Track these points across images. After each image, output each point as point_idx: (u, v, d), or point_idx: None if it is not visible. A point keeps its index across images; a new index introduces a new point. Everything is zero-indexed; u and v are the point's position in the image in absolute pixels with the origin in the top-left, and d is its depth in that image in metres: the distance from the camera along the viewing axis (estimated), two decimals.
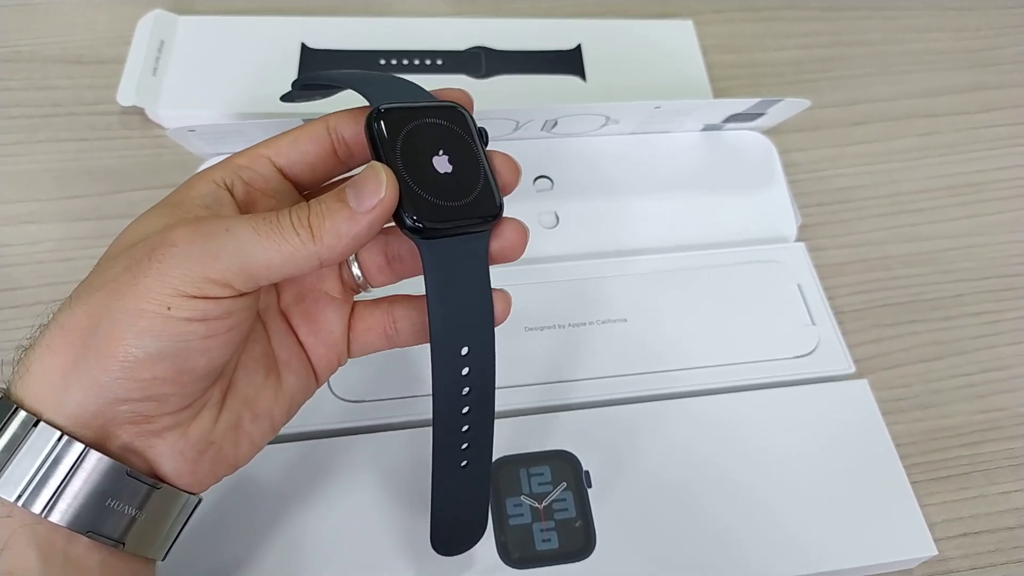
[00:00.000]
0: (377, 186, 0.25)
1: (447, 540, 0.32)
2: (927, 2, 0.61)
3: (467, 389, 0.29)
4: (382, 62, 0.51)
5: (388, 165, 0.26)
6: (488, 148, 0.29)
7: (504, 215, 0.28)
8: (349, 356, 0.32)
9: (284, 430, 0.37)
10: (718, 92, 0.53)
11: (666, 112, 0.45)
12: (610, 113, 0.44)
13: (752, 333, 0.42)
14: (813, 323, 0.42)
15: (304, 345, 0.31)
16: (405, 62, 0.51)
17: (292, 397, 0.30)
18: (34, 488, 0.24)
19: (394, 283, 0.32)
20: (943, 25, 0.60)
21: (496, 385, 0.30)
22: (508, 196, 0.29)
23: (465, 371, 0.28)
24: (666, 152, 0.48)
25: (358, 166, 0.30)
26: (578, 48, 0.53)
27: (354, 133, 0.29)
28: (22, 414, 0.24)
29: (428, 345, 0.28)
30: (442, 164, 0.27)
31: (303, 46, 0.51)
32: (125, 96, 0.47)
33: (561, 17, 0.55)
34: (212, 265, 0.24)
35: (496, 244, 0.28)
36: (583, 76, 0.52)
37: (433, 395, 0.28)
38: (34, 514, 0.24)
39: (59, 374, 0.24)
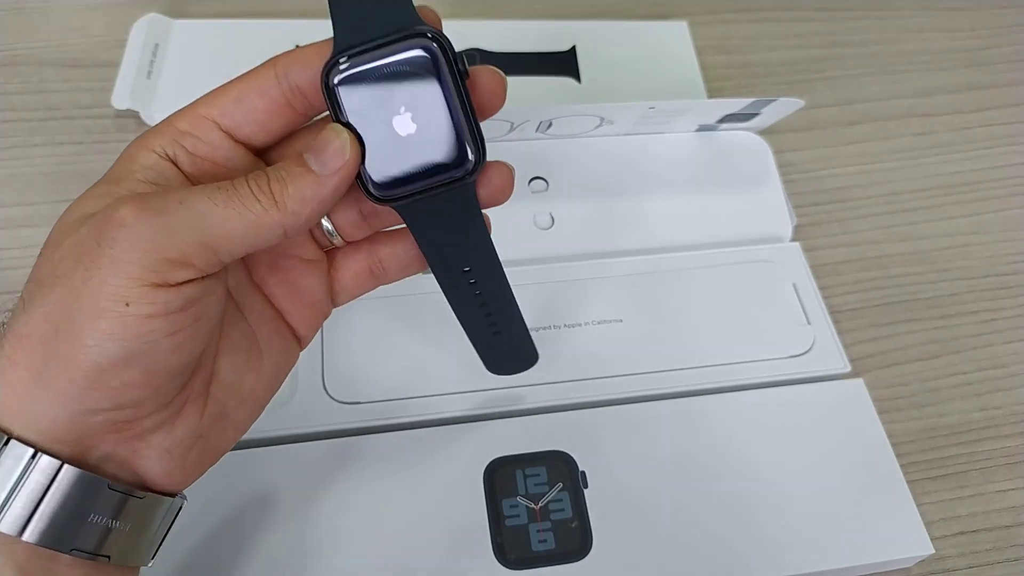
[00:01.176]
0: (340, 148, 0.24)
1: (501, 367, 0.37)
2: (921, 2, 0.61)
3: (479, 292, 0.30)
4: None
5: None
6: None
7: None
8: (335, 306, 0.30)
9: (278, 432, 0.37)
10: (713, 93, 0.53)
11: (661, 113, 0.45)
12: (604, 114, 0.44)
13: (747, 333, 0.42)
14: (809, 323, 0.42)
15: (283, 313, 0.29)
16: None
17: (276, 371, 0.29)
18: (9, 509, 0.22)
19: (371, 234, 0.30)
20: (937, 25, 0.60)
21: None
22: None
23: (472, 281, 0.29)
24: (661, 153, 0.48)
25: (319, 114, 0.27)
26: (572, 50, 0.53)
27: (309, 79, 0.25)
28: None
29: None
30: (404, 124, 0.24)
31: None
32: (120, 100, 0.47)
33: (555, 19, 0.55)
34: (168, 243, 0.22)
35: (481, 190, 0.27)
36: (578, 78, 0.52)
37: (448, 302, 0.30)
38: (12, 536, 0.22)
39: (23, 387, 0.22)
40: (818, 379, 0.41)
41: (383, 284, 0.30)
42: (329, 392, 0.38)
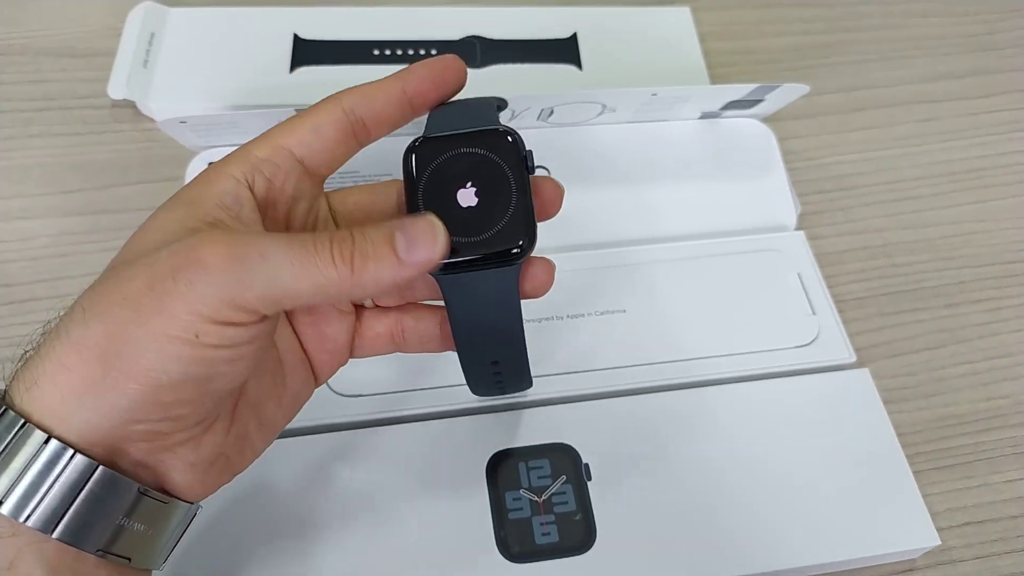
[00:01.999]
0: (432, 242, 0.25)
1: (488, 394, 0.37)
2: None
3: (499, 372, 0.32)
4: (375, 52, 0.50)
5: (410, 195, 0.27)
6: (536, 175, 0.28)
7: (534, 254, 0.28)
8: (352, 357, 0.32)
9: None
10: (716, 79, 0.53)
11: (663, 100, 0.44)
12: (606, 100, 0.44)
13: (752, 323, 0.41)
14: (813, 312, 0.42)
15: (307, 350, 0.30)
16: (399, 52, 0.50)
17: (295, 400, 0.30)
18: (44, 507, 0.23)
19: (402, 303, 0.32)
20: (942, 10, 0.59)
21: (525, 372, 0.33)
22: None
23: (496, 372, 0.31)
24: (664, 141, 0.47)
25: (373, 141, 0.29)
26: (574, 36, 0.53)
27: (371, 113, 0.28)
28: (34, 431, 0.22)
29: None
30: (467, 197, 0.27)
31: (295, 37, 0.50)
32: (116, 89, 0.47)
33: (557, 5, 0.55)
34: (243, 294, 0.23)
35: (525, 283, 0.29)
36: (579, 65, 0.51)
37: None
38: (43, 533, 0.23)
39: (73, 392, 0.23)
40: (823, 369, 0.40)
41: (400, 352, 0.32)
42: (331, 385, 0.38)
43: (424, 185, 0.27)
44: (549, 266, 0.29)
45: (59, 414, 0.23)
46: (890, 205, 0.49)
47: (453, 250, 0.26)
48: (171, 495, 0.26)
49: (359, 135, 0.28)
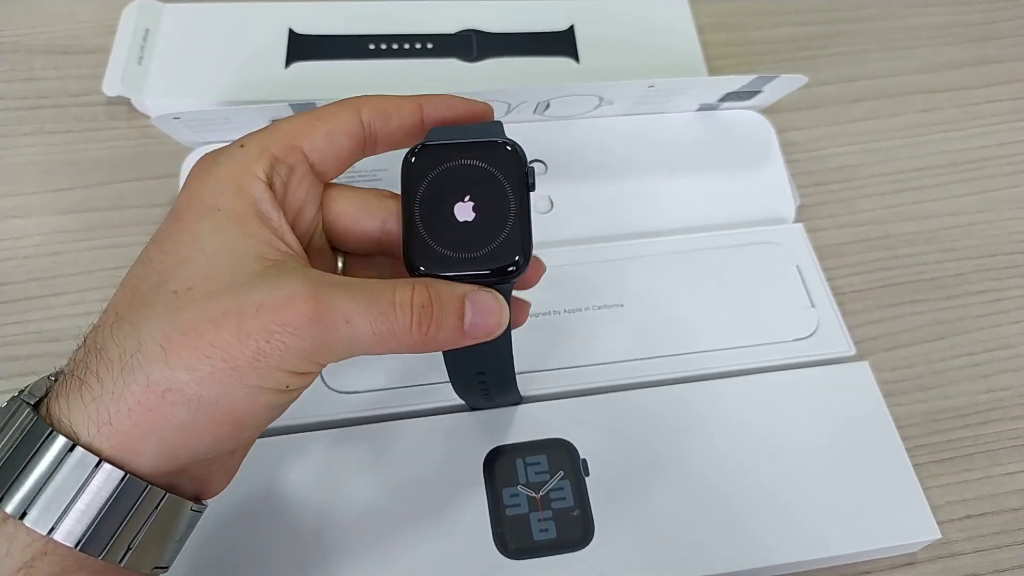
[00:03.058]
0: (496, 321, 0.26)
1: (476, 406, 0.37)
2: None
3: (484, 382, 0.32)
4: (371, 47, 0.50)
5: (406, 207, 0.26)
6: None
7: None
8: None
9: (279, 423, 0.36)
10: (714, 71, 0.53)
11: (661, 92, 0.44)
12: (603, 93, 0.43)
13: (751, 316, 0.41)
14: (813, 305, 0.41)
15: None
16: (395, 46, 0.50)
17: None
18: (115, 541, 0.23)
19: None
20: None
21: (511, 381, 0.33)
22: None
23: (482, 382, 0.31)
24: (661, 133, 0.47)
25: (376, 154, 0.29)
26: (571, 29, 0.52)
27: (385, 131, 0.28)
28: (108, 468, 0.23)
29: None
30: (464, 211, 0.26)
31: (290, 32, 0.50)
32: (110, 86, 0.46)
33: None
34: (327, 356, 0.24)
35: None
36: (576, 58, 0.51)
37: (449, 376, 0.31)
38: (110, 563, 0.23)
39: (154, 432, 0.23)
40: (822, 362, 0.40)
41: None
42: (327, 382, 0.38)
43: (421, 197, 0.26)
44: (538, 264, 0.30)
45: (133, 448, 0.23)
46: (890, 197, 0.49)
47: (447, 264, 0.26)
48: (204, 496, 0.27)
49: (367, 148, 0.28)
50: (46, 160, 0.46)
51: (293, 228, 0.27)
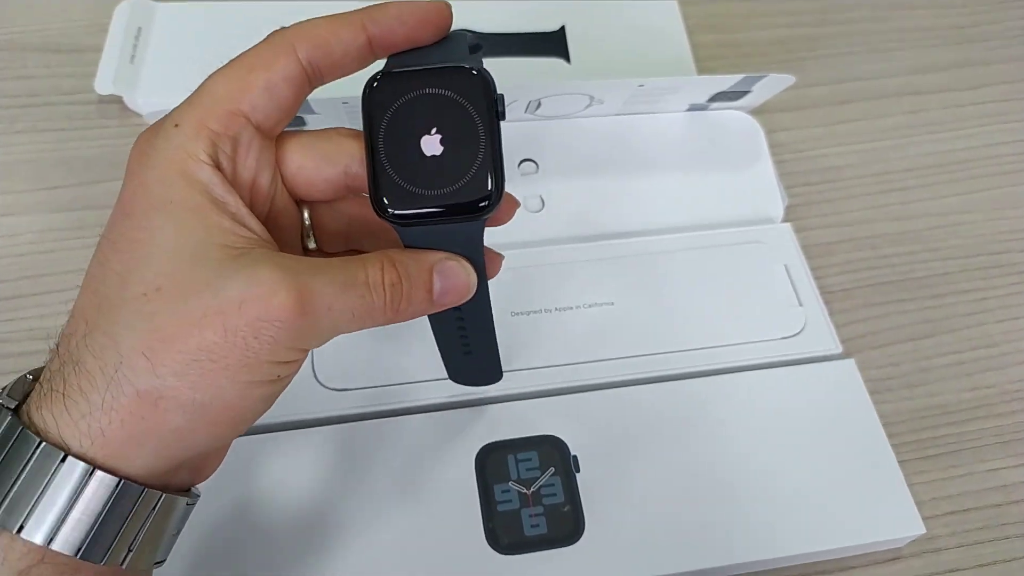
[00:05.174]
0: (465, 288, 0.26)
1: (463, 379, 0.37)
2: None
3: (463, 325, 0.31)
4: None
5: (369, 144, 0.24)
6: None
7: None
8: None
9: (267, 420, 0.36)
10: (703, 72, 0.53)
11: (651, 91, 0.44)
12: (594, 92, 0.44)
13: (739, 315, 0.41)
14: (800, 304, 0.42)
15: None
16: None
17: None
18: (116, 545, 0.23)
19: (346, 251, 0.30)
20: (928, 2, 0.59)
21: (489, 330, 0.32)
22: None
23: (459, 316, 0.30)
24: (651, 133, 0.47)
25: (325, 84, 0.26)
26: (562, 30, 0.53)
27: (328, 63, 0.25)
28: (101, 475, 0.22)
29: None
30: (431, 145, 0.24)
31: None
32: (103, 85, 0.47)
33: None
34: (311, 342, 0.24)
35: None
36: (567, 58, 0.51)
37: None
38: (112, 566, 0.23)
39: (148, 438, 0.23)
40: (810, 360, 0.40)
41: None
42: (319, 379, 0.38)
43: (385, 132, 0.24)
44: (510, 199, 0.28)
45: (126, 453, 0.23)
46: (876, 197, 0.49)
47: (416, 201, 0.24)
48: (196, 483, 0.27)
49: (314, 82, 0.25)
50: (39, 158, 0.46)
51: (252, 200, 0.25)
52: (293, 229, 0.28)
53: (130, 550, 0.24)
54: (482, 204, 0.24)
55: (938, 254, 0.47)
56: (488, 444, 0.37)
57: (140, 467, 0.23)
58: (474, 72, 0.25)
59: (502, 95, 0.25)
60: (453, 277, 0.26)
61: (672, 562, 0.35)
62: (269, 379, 0.24)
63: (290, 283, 0.23)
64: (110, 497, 0.23)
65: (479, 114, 0.24)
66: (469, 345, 0.33)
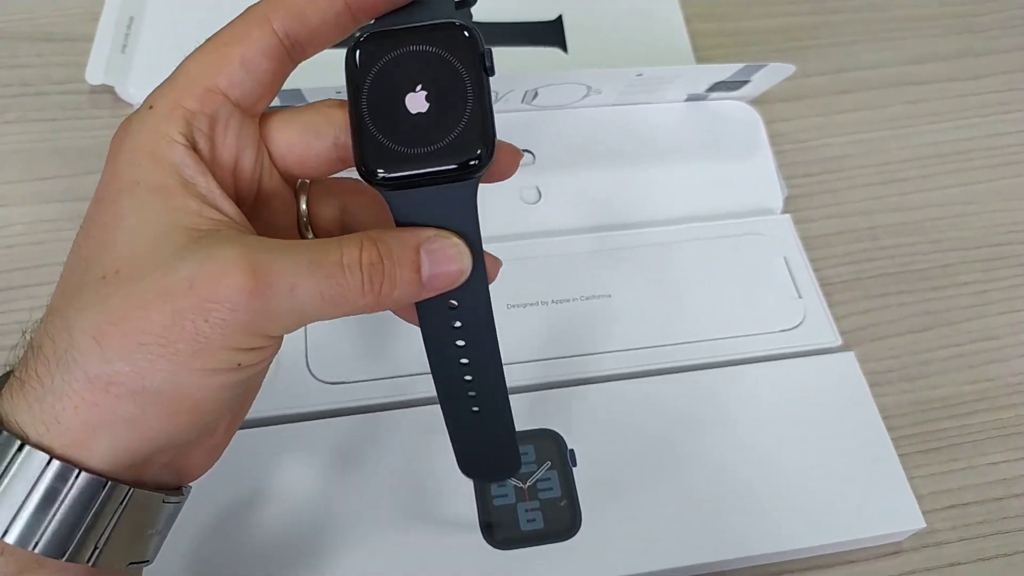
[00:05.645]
0: (458, 269, 0.24)
1: (477, 470, 0.32)
2: None
3: (462, 342, 0.27)
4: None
5: (353, 105, 0.23)
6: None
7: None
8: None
9: (261, 414, 0.36)
10: (702, 61, 0.52)
11: (649, 81, 0.44)
12: (591, 81, 0.43)
13: (738, 307, 0.41)
14: (799, 296, 0.42)
15: None
16: None
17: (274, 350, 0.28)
18: (79, 541, 0.22)
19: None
20: None
21: (493, 351, 0.28)
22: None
23: (457, 324, 0.26)
24: (650, 123, 0.47)
25: (309, 57, 0.25)
26: (559, 19, 0.52)
27: (307, 33, 0.24)
28: (58, 464, 0.21)
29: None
30: (416, 102, 0.23)
31: None
32: (94, 75, 0.46)
33: None
34: (274, 328, 0.22)
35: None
36: (564, 48, 0.51)
37: (426, 350, 0.27)
38: (76, 564, 0.22)
39: (103, 424, 0.21)
40: (809, 353, 0.40)
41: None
42: (313, 372, 0.38)
43: (368, 91, 0.23)
44: (508, 147, 0.26)
45: (85, 444, 0.22)
46: (877, 188, 0.49)
47: (400, 160, 0.23)
48: (183, 483, 0.26)
49: (295, 56, 0.24)
50: (30, 148, 0.46)
51: (236, 181, 0.25)
52: (287, 217, 0.27)
53: (97, 547, 0.22)
54: (471, 162, 0.23)
55: (939, 245, 0.47)
56: None
57: (102, 459, 0.22)
58: (456, 25, 0.24)
59: (489, 49, 0.24)
60: (444, 255, 0.24)
61: (669, 557, 0.34)
62: (228, 367, 0.22)
63: (245, 261, 0.21)
64: (68, 489, 0.21)
65: (465, 68, 0.23)
66: (475, 391, 0.29)
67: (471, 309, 0.26)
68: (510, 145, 0.26)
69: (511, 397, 0.37)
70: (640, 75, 0.43)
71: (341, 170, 0.26)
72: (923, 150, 0.51)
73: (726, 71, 0.43)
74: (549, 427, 0.37)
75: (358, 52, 0.24)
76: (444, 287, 0.24)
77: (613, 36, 0.52)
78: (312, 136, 0.25)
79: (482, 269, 0.25)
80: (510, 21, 0.51)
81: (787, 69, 0.43)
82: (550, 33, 0.52)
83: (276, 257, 0.22)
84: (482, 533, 0.34)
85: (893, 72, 0.54)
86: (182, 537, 0.33)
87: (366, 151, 0.23)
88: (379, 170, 0.23)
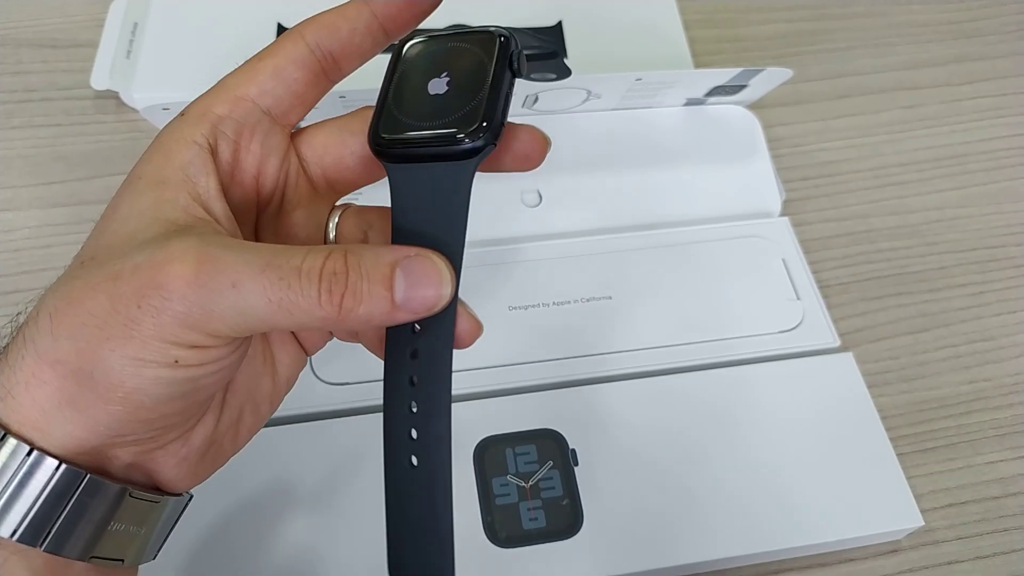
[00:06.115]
0: (435, 288, 0.22)
1: (402, 564, 0.26)
2: None
3: (415, 407, 0.25)
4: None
5: (384, 85, 0.25)
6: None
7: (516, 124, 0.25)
8: (335, 337, 0.30)
9: None
10: (701, 67, 0.53)
11: (648, 85, 0.44)
12: (591, 86, 0.44)
13: (737, 308, 0.41)
14: (798, 297, 0.42)
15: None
16: None
17: (288, 376, 0.28)
18: (30, 521, 0.21)
19: None
20: None
21: (471, 367, 0.28)
22: (494, 174, 0.26)
23: (412, 350, 0.25)
24: (649, 128, 0.47)
25: (345, 76, 0.26)
26: (559, 25, 0.52)
27: (339, 45, 0.24)
28: (14, 442, 0.21)
29: None
30: (437, 86, 0.24)
31: (279, 26, 0.50)
32: (99, 80, 0.47)
33: None
34: (209, 323, 0.21)
35: (509, 152, 0.25)
36: (565, 53, 0.51)
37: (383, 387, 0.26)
38: (29, 546, 0.21)
39: (53, 406, 0.21)
40: (807, 354, 0.40)
41: (361, 343, 0.29)
42: (317, 373, 0.38)
43: (399, 75, 0.25)
44: (534, 131, 0.26)
45: (40, 426, 0.21)
46: (874, 191, 0.50)
47: (404, 131, 0.24)
48: (162, 491, 0.25)
49: (329, 72, 0.25)
50: (35, 153, 0.46)
51: (259, 186, 0.25)
52: (307, 230, 0.27)
53: (50, 533, 0.21)
54: (468, 136, 0.23)
55: (935, 248, 0.47)
56: (486, 437, 0.37)
57: (59, 442, 0.21)
58: (499, 35, 0.24)
59: (522, 52, 0.25)
60: (422, 275, 0.22)
61: (670, 555, 0.35)
62: (162, 361, 0.21)
63: (194, 252, 0.20)
64: (19, 466, 0.21)
65: (491, 62, 0.24)
66: (419, 422, 0.26)
67: (430, 358, 0.25)
68: (539, 130, 0.26)
69: (512, 397, 0.38)
70: (639, 79, 0.43)
71: (380, 177, 0.26)
72: (919, 154, 0.51)
73: (725, 75, 0.44)
74: (551, 427, 0.37)
75: (405, 45, 0.25)
76: (420, 311, 0.22)
77: (612, 42, 0.52)
78: (348, 134, 0.26)
79: (454, 301, 0.24)
80: (510, 27, 0.52)
81: (785, 73, 0.44)
82: (550, 39, 0.52)
83: (228, 252, 0.21)
84: (485, 531, 0.35)
85: (890, 77, 0.55)
86: (184, 537, 0.33)
87: (379, 122, 0.24)
88: (383, 135, 0.24)
